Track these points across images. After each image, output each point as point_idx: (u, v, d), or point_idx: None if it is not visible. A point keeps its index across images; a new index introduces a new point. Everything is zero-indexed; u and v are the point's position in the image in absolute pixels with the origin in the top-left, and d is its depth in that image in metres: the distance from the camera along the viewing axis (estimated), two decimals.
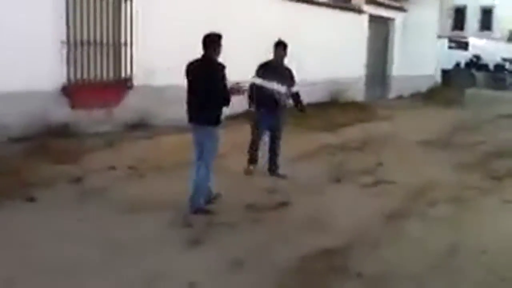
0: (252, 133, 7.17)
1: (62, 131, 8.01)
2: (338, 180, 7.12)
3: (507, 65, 25.86)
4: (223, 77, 5.41)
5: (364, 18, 15.84)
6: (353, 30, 15.31)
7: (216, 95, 5.37)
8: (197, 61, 5.57)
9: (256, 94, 6.83)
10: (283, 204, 5.96)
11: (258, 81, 6.95)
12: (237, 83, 5.61)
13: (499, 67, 25.87)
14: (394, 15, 17.38)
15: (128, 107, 9.31)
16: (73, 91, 8.54)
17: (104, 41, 9.05)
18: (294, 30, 12.00)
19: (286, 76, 7.13)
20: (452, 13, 34.59)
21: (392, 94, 18.04)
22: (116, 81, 9.30)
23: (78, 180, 6.30)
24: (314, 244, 4.83)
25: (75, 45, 8.58)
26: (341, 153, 8.93)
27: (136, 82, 9.41)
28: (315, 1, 13.66)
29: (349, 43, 14.90)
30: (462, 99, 18.53)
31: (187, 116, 5.63)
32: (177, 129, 9.30)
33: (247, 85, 6.39)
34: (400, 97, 18.22)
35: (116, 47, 9.24)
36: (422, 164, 8.41)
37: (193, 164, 5.67)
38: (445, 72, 24.21)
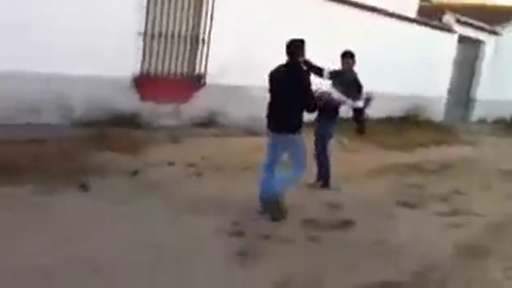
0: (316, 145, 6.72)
1: (128, 121, 7.91)
2: (409, 204, 6.53)
3: None
4: (309, 83, 5.29)
5: (453, 38, 15.03)
6: (440, 48, 14.54)
7: (304, 102, 5.26)
8: (282, 67, 5.37)
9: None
10: (346, 223, 5.48)
11: (332, 90, 6.50)
12: (318, 90, 5.63)
13: None
14: (486, 37, 16.43)
15: (198, 104, 9.12)
16: (143, 83, 8.43)
17: (182, 35, 8.91)
18: (378, 43, 11.52)
19: (353, 88, 6.63)
20: None
21: (474, 118, 17.05)
22: (189, 77, 9.14)
23: (135, 172, 6.09)
24: (374, 275, 4.34)
25: (152, 37, 8.48)
26: (416, 175, 8.30)
27: (208, 80, 9.22)
28: (404, 17, 13.04)
29: (434, 61, 14.16)
30: None
31: (267, 123, 5.47)
32: (245, 131, 9.10)
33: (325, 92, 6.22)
34: (483, 122, 17.18)
35: (193, 43, 9.08)
36: (505, 196, 7.65)
37: (262, 169, 5.54)
38: None
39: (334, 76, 6.64)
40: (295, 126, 5.28)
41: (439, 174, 8.61)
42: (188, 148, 7.50)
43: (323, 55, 6.92)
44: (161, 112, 8.66)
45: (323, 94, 5.71)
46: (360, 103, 6.64)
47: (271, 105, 5.39)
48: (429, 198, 6.94)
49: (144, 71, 8.49)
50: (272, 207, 5.32)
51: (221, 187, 6.03)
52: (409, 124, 12.53)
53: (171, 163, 6.67)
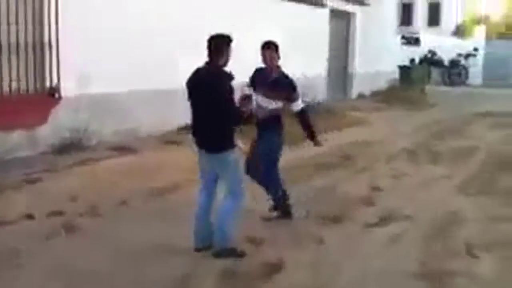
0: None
1: None
2: (333, 218, 5.48)
3: (462, 61, 25.24)
4: (230, 90, 4.27)
5: (326, 13, 14.41)
6: (315, 25, 13.83)
7: (224, 114, 4.25)
8: (198, 71, 4.39)
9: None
10: (272, 268, 4.25)
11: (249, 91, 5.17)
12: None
13: (454, 63, 25.24)
14: (355, 9, 16.10)
15: (56, 124, 7.40)
16: None
17: (21, 41, 7.11)
18: (245, 24, 10.41)
19: (280, 88, 5.14)
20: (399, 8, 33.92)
21: (354, 93, 16.78)
22: (39, 92, 7.37)
23: None
24: None
25: None
26: (322, 173, 7.34)
27: (65, 92, 7.52)
28: None
29: (310, 38, 13.41)
30: (425, 97, 17.53)
31: (194, 140, 4.48)
32: (117, 148, 7.61)
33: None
34: (362, 96, 16.97)
35: (37, 50, 7.31)
36: (421, 185, 6.94)
37: (199, 196, 4.53)
38: (401, 68, 23.37)
39: (256, 75, 5.34)
40: (224, 141, 4.29)
41: (346, 168, 7.74)
42: (51, 188, 5.85)
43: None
44: (10, 143, 6.88)
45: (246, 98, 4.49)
46: (296, 106, 5.25)
47: (193, 118, 4.44)
48: (350, 204, 5.98)
49: None
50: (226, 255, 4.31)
51: (102, 244, 4.55)
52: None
53: (29, 216, 5.04)
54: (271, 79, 5.15)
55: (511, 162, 8.22)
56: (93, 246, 4.49)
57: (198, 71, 4.38)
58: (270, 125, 5.16)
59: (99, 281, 3.87)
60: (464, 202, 6.22)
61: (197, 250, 4.43)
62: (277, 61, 5.18)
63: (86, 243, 4.56)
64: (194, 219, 4.46)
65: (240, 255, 4.39)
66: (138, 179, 6.34)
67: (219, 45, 4.28)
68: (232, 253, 4.36)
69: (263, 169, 5.19)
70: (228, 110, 4.27)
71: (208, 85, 4.25)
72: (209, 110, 4.25)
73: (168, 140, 8.42)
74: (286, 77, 5.19)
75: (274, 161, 5.25)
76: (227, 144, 4.31)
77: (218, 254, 4.33)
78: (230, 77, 4.28)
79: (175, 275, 4.00)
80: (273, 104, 5.11)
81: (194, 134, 4.47)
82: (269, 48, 5.15)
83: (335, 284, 4.02)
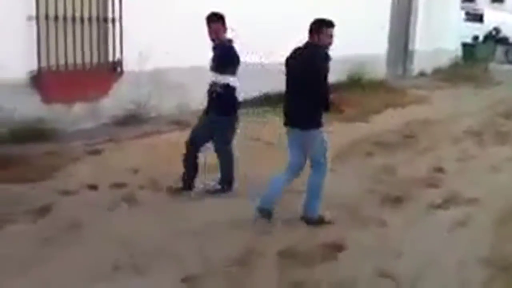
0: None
1: (32, 134, 6.21)
2: (396, 199, 5.33)
3: None
4: (326, 71, 4.43)
5: None
6: (375, 2, 13.41)
7: (317, 93, 4.41)
8: (298, 49, 4.58)
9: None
10: (332, 250, 4.17)
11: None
12: None
13: None
14: None
15: (118, 98, 7.51)
16: (45, 81, 6.74)
17: (86, 16, 7.20)
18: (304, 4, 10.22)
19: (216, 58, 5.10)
20: None
21: (415, 71, 16.28)
22: (102, 66, 7.49)
23: (41, 211, 4.51)
24: None
25: (47, 21, 6.75)
26: (383, 152, 7.14)
27: (126, 67, 7.60)
28: None
29: (372, 16, 13.02)
30: (489, 75, 16.82)
31: (284, 117, 4.62)
32: (177, 123, 7.64)
33: None
34: (423, 74, 16.46)
35: (101, 25, 7.40)
36: (489, 166, 6.66)
37: (286, 170, 4.60)
38: (464, 46, 22.52)
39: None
40: (312, 121, 4.47)
41: (408, 148, 7.51)
42: (113, 159, 5.95)
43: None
44: (73, 115, 7.03)
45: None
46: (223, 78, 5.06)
47: (286, 95, 4.65)
48: (413, 185, 5.80)
49: (43, 65, 6.77)
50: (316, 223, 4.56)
51: (163, 218, 4.57)
52: (355, 88, 11.41)
53: (92, 187, 5.14)
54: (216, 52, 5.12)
55: None
56: (154, 220, 4.51)
57: (298, 50, 4.53)
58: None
59: (161, 256, 3.89)
60: None
61: (260, 209, 4.52)
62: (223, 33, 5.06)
63: (147, 217, 4.59)
64: (270, 182, 4.56)
65: (328, 222, 4.57)
66: None
67: (317, 27, 4.45)
68: (321, 221, 4.56)
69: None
70: (322, 90, 4.38)
71: (306, 64, 4.37)
72: (304, 88, 4.36)
73: None
74: (225, 47, 5.07)
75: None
76: (316, 123, 4.46)
77: (309, 222, 4.53)
78: (327, 57, 4.42)
79: (237, 252, 3.97)
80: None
81: (285, 112, 4.60)
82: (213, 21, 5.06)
83: (398, 268, 3.90)
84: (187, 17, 8.19)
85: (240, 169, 5.32)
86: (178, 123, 7.54)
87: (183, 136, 7.10)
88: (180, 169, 5.20)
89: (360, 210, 4.95)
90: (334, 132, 7.98)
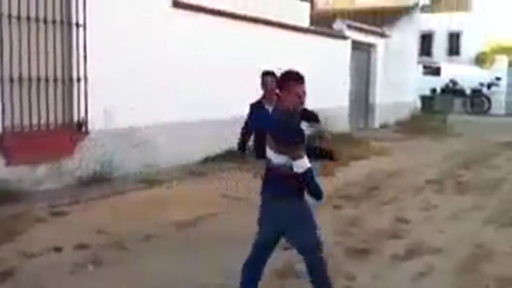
0: None
1: None
2: (361, 250, 5.40)
3: (484, 90, 25.13)
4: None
5: (347, 44, 14.50)
6: (336, 56, 13.93)
7: None
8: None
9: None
10: None
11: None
12: None
13: (476, 92, 25.15)
14: (376, 41, 16.19)
15: (82, 158, 7.50)
16: (8, 142, 6.70)
17: (50, 76, 7.25)
18: (269, 57, 10.52)
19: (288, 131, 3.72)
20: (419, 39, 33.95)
21: (376, 124, 16.76)
22: (67, 126, 7.49)
23: (3, 275, 4.40)
24: None
25: (11, 83, 6.78)
26: (347, 204, 7.27)
27: (91, 126, 7.63)
28: (293, 26, 12.14)
29: (331, 70, 13.49)
30: (448, 127, 17.42)
31: None
32: (142, 181, 7.68)
33: None
34: (384, 126, 16.97)
35: (66, 84, 7.46)
36: (450, 217, 6.82)
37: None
38: (423, 98, 23.35)
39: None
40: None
41: (371, 199, 7.65)
42: (77, 220, 5.90)
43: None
44: (38, 175, 6.97)
45: None
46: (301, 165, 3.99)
47: None
48: (377, 236, 5.89)
49: (7, 127, 6.75)
50: None
51: (129, 278, 4.52)
52: (320, 140, 11.63)
53: (57, 249, 5.05)
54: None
55: None
56: (120, 280, 4.46)
57: None
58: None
59: None
60: (494, 234, 6.09)
61: None
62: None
63: (113, 278, 4.53)
64: None
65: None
66: (163, 211, 6.35)
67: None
68: None
69: None
70: None
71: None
72: None
73: (194, 171, 8.48)
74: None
75: None
76: None
77: None
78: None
79: None
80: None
81: None
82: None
83: None
84: (154, 73, 8.39)
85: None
86: (145, 182, 7.55)
87: (149, 194, 7.19)
88: (141, 227, 5.19)
89: (328, 263, 4.98)
90: None
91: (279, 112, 3.76)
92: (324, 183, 7.82)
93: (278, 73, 3.96)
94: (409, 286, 4.64)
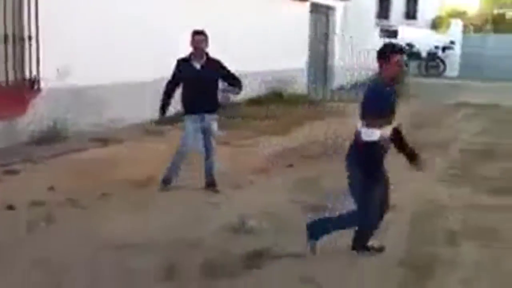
0: None
1: None
2: (316, 207, 5.50)
3: (439, 53, 25.54)
4: None
5: (306, 6, 14.43)
6: (295, 19, 13.86)
7: None
8: None
9: None
10: (256, 259, 4.24)
11: None
12: None
13: (431, 55, 25.53)
14: (335, 3, 16.17)
15: (35, 116, 7.31)
16: None
17: (1, 33, 6.98)
18: (232, 20, 10.47)
19: None
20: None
21: (334, 85, 16.88)
22: (18, 84, 7.26)
23: None
24: None
25: None
26: (304, 163, 7.36)
27: (44, 84, 7.41)
28: None
29: (291, 32, 13.43)
30: (404, 88, 17.67)
31: None
32: (96, 140, 7.57)
33: None
34: (342, 88, 17.09)
35: (16, 42, 7.18)
36: (403, 174, 6.95)
37: None
38: None
39: None
40: None
41: (328, 158, 7.75)
42: (31, 179, 5.79)
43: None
44: None
45: None
46: None
47: None
48: (333, 194, 5.99)
49: None
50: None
51: (83, 236, 4.49)
52: (278, 102, 11.73)
53: (10, 207, 4.96)
54: None
55: (489, 151, 8.37)
56: (74, 238, 4.43)
57: None
58: None
59: (82, 275, 3.82)
60: (444, 191, 6.29)
61: None
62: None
63: (67, 235, 4.50)
64: None
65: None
66: (118, 170, 6.30)
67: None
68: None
69: None
70: None
71: None
72: None
73: (149, 130, 8.40)
74: None
75: None
76: None
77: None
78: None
79: (158, 267, 3.97)
80: None
81: None
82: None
83: (321, 273, 4.03)
84: (109, 32, 8.18)
85: None
86: (98, 140, 7.44)
87: (104, 153, 7.10)
88: (96, 185, 5.15)
89: (283, 220, 5.07)
90: (256, 145, 8.23)
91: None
92: (278, 142, 8.09)
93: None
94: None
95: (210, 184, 5.88)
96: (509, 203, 5.83)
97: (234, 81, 5.84)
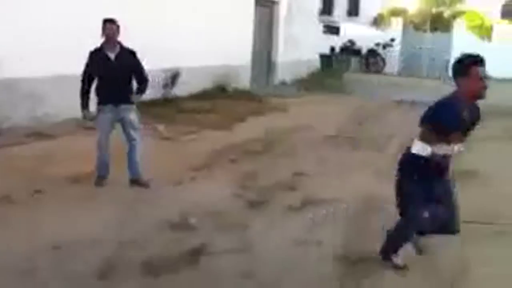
0: None
1: None
2: (257, 201, 5.50)
3: (379, 50, 26.11)
4: None
5: (250, 1, 14.40)
6: (239, 12, 13.79)
7: None
8: None
9: None
10: (196, 254, 4.20)
11: None
12: None
13: (371, 52, 26.06)
14: None
15: None
16: None
17: None
18: (175, 13, 10.30)
19: None
20: None
21: (276, 81, 16.94)
22: None
23: None
24: None
25: None
26: (246, 158, 7.35)
27: None
28: None
29: (234, 27, 13.36)
30: (345, 84, 18.02)
31: None
32: (31, 135, 7.30)
33: None
34: (284, 84, 17.19)
35: None
36: (344, 169, 7.11)
37: None
38: (322, 57, 23.85)
39: None
40: None
41: (270, 153, 7.79)
42: None
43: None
44: None
45: None
46: None
47: None
48: (274, 188, 6.02)
49: None
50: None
51: (18, 233, 4.32)
52: (221, 97, 11.68)
53: None
54: None
55: None
56: (8, 236, 4.25)
57: None
58: None
59: (17, 275, 3.67)
60: (383, 186, 6.41)
61: None
62: None
63: (0, 231, 4.31)
64: None
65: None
66: (53, 165, 6.10)
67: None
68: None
69: None
70: None
71: None
72: None
73: (85, 125, 8.16)
74: None
75: None
76: None
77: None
78: None
79: (96, 266, 3.86)
80: None
81: None
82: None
83: (260, 269, 4.03)
84: (43, 25, 7.87)
85: None
86: (34, 135, 7.18)
87: (37, 148, 6.84)
88: (30, 181, 4.96)
89: (224, 216, 5.04)
90: (198, 140, 8.16)
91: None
92: (221, 137, 8.05)
93: None
94: (302, 233, 4.80)
95: (134, 181, 5.69)
96: None
97: (141, 79, 5.63)
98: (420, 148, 3.80)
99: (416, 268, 4.14)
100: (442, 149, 3.76)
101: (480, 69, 3.60)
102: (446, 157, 3.84)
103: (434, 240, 4.32)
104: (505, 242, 4.78)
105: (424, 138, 3.79)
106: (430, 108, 3.81)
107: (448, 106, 3.71)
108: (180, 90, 10.94)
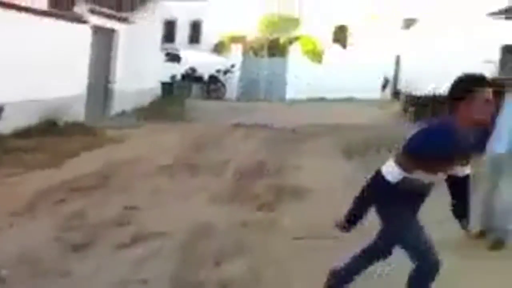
0: None
1: None
2: (80, 246, 5.16)
3: (220, 76, 26.72)
4: None
5: (87, 30, 13.88)
6: (75, 42, 13.18)
7: None
8: None
9: None
10: None
11: None
12: None
13: (213, 78, 26.58)
14: (119, 26, 15.86)
15: None
16: None
17: None
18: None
19: None
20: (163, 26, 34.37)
21: (114, 111, 16.45)
22: None
23: None
24: None
25: None
26: (75, 196, 6.94)
27: None
28: (26, 8, 11.12)
29: (70, 56, 12.74)
30: (185, 112, 18.12)
31: None
32: None
33: None
34: (123, 113, 16.74)
35: None
36: (179, 197, 7.04)
37: None
38: (163, 84, 23.78)
39: None
40: None
41: (103, 189, 7.44)
42: None
43: None
44: None
45: None
46: None
47: None
48: (104, 226, 5.73)
49: None
50: None
51: None
52: (51, 133, 10.99)
53: None
54: None
55: (259, 170, 8.87)
56: None
57: None
58: None
59: None
60: (216, 211, 6.44)
61: None
62: None
63: None
64: None
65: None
66: None
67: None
68: None
69: None
70: None
71: None
72: None
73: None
74: None
75: None
76: None
77: None
78: None
79: None
80: None
81: None
82: None
83: None
84: None
85: None
86: None
87: None
88: None
89: (42, 263, 4.66)
90: (23, 181, 7.54)
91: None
92: (49, 176, 7.54)
93: None
94: (131, 272, 4.59)
95: None
96: (272, 217, 6.20)
97: None
98: (391, 170, 3.21)
99: None
100: (420, 176, 3.27)
101: (488, 91, 3.09)
102: (424, 186, 3.36)
103: None
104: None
105: (399, 162, 3.22)
106: (416, 137, 3.22)
107: (440, 134, 3.13)
108: (5, 127, 10.13)
